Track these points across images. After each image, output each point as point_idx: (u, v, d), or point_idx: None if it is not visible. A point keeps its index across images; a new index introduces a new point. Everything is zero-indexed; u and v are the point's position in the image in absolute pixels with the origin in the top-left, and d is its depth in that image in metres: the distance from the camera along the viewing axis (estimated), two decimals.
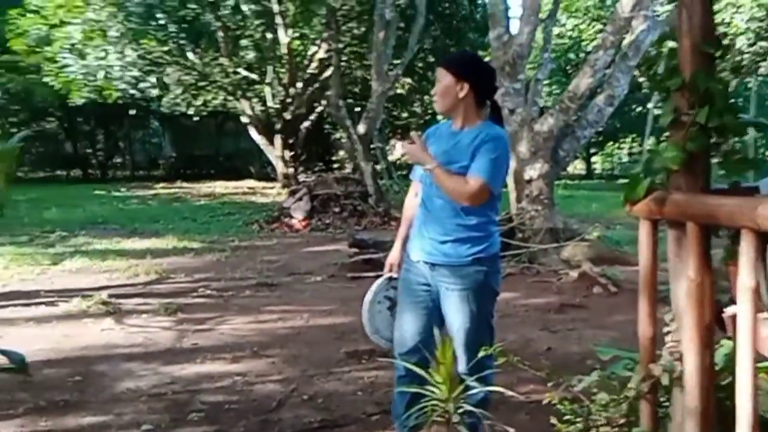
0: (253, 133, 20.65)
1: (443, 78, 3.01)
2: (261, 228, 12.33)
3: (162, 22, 18.26)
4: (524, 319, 6.05)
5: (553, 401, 2.47)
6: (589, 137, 9.58)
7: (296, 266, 8.54)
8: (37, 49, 21.78)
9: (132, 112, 22.87)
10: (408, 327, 3.13)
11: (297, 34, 19.90)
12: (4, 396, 4.05)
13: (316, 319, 6.06)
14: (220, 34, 19.10)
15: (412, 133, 3.10)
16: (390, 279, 3.34)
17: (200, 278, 7.82)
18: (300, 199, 13.15)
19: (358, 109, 20.17)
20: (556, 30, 21.51)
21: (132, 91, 19.91)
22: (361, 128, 14.44)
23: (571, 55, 27.22)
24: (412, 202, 3.28)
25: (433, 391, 2.49)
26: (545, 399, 2.52)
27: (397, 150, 23.77)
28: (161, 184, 23.55)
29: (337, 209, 13.22)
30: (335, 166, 27.79)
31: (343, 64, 18.78)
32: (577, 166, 29.80)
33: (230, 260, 9.02)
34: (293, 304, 6.65)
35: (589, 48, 21.41)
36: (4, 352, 1.57)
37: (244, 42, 20.24)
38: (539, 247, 8.21)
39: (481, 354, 2.71)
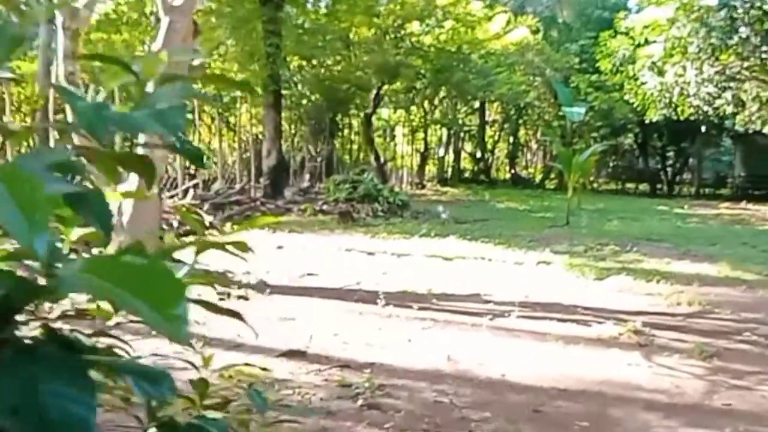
0: None
1: None
2: None
3: (744, 35, 16.53)
4: None
5: None
6: None
7: None
8: (621, 69, 22.21)
9: (703, 129, 21.38)
10: None
11: None
12: (510, 427, 3.78)
13: None
14: None
15: None
16: None
17: (748, 318, 6.49)
18: None
19: None
20: None
21: (705, 108, 18.65)
22: None
23: None
24: None
25: None
26: None
27: None
28: (725, 204, 21.57)
29: None
30: None
31: None
32: None
33: None
34: None
35: None
36: None
37: None
38: None
39: None
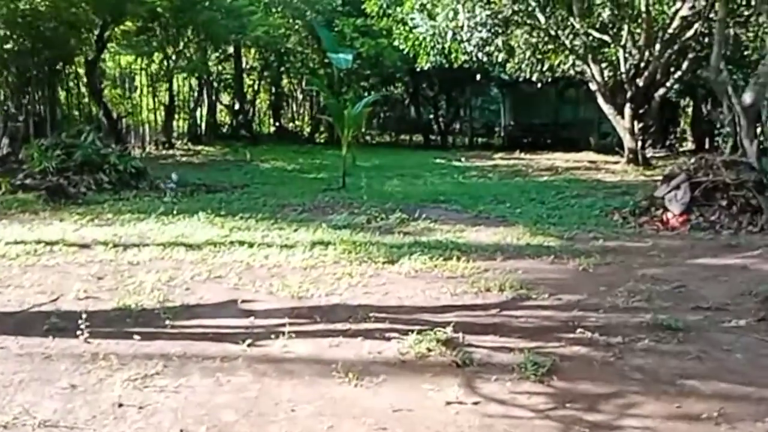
0: (601, 101, 18.01)
1: None
2: (624, 220, 9.86)
3: None
4: None
5: None
6: None
7: (695, 292, 5.89)
8: (389, 12, 21.39)
9: (478, 77, 21.47)
10: None
11: None
12: None
13: None
14: None
15: None
16: None
17: (570, 302, 5.60)
18: (677, 187, 10.31)
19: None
20: None
21: (479, 54, 18.52)
22: (747, 98, 11.49)
23: None
24: None
25: None
26: None
27: None
28: (499, 154, 22.12)
29: (724, 202, 10.21)
30: (673, 141, 25.00)
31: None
32: None
33: (601, 272, 6.66)
34: (721, 374, 4.12)
35: None
36: None
37: (598, 0, 17.80)
38: None
39: None
